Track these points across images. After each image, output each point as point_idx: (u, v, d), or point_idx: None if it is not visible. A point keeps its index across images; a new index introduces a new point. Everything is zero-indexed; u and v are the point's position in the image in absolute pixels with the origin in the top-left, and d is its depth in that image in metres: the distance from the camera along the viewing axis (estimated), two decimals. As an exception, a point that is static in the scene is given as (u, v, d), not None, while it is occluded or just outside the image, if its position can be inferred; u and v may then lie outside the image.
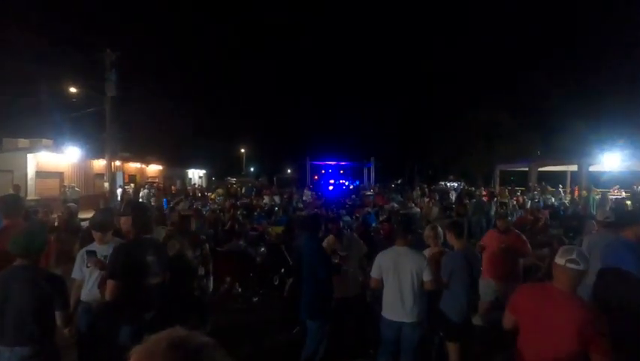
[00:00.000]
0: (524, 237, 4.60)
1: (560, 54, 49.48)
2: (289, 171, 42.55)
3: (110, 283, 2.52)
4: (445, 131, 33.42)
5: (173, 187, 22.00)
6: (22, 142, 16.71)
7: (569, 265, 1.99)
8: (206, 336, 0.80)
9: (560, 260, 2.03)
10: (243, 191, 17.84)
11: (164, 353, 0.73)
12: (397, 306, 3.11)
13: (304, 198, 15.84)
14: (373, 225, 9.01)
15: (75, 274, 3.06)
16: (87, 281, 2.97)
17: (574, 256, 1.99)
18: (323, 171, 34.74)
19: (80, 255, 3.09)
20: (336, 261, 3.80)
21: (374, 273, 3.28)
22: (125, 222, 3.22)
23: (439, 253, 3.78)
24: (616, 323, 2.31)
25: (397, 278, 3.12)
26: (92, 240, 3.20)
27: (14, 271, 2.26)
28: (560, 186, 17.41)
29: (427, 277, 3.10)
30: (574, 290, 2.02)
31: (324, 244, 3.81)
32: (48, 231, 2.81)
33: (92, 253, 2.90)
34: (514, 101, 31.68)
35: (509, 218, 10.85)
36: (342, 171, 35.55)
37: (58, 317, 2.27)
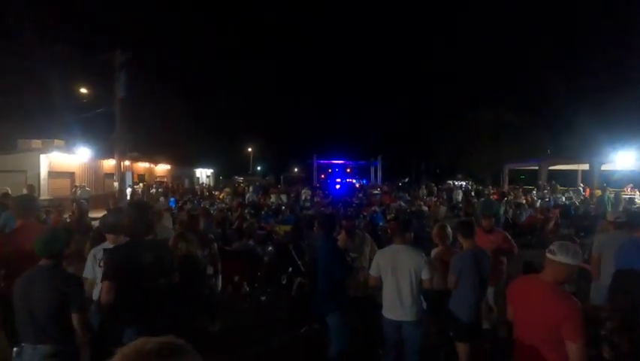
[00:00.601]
0: (509, 235, 4.61)
1: (560, 54, 48.46)
2: (296, 170, 42.65)
3: (104, 285, 2.50)
4: (445, 131, 33.17)
5: (181, 187, 22.20)
6: (36, 143, 17.03)
7: (547, 254, 2.05)
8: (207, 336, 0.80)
9: (545, 252, 2.10)
10: (251, 190, 17.90)
11: (150, 355, 0.74)
12: (396, 305, 3.09)
13: (303, 196, 15.86)
14: (380, 224, 9.00)
15: (87, 273, 3.10)
16: (99, 281, 3.01)
17: (553, 247, 2.04)
18: (330, 170, 34.74)
19: (92, 254, 3.13)
20: (348, 259, 3.79)
21: (373, 271, 3.27)
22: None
23: (445, 252, 3.76)
24: (631, 324, 2.28)
25: (396, 277, 3.11)
26: (102, 239, 3.24)
27: (38, 271, 2.32)
28: (581, 185, 17.08)
29: (425, 275, 3.08)
30: (556, 281, 2.05)
31: None
32: (66, 231, 2.80)
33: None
34: (515, 100, 31.40)
35: (521, 218, 10.88)
36: (349, 170, 35.50)
37: (74, 318, 2.29)
